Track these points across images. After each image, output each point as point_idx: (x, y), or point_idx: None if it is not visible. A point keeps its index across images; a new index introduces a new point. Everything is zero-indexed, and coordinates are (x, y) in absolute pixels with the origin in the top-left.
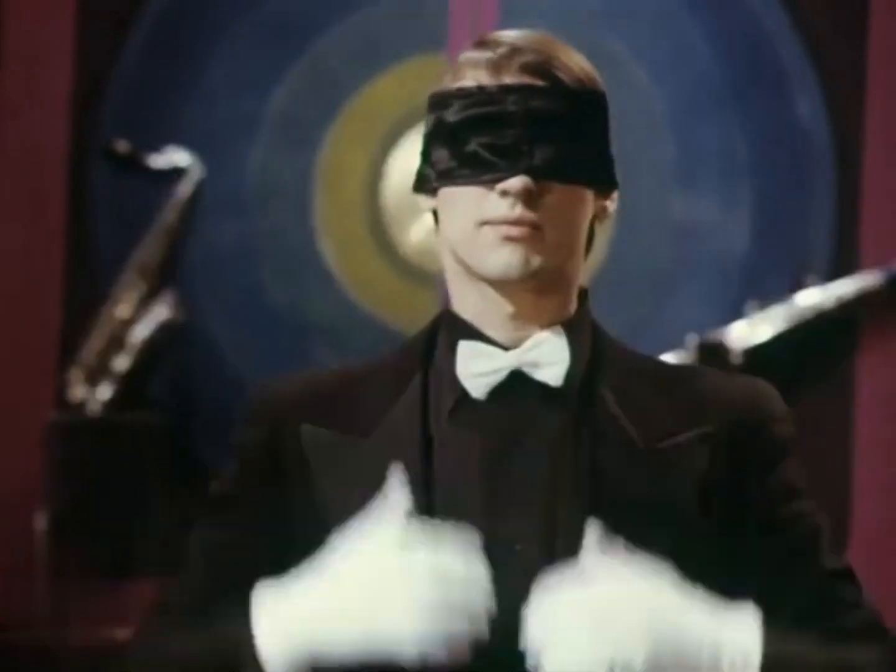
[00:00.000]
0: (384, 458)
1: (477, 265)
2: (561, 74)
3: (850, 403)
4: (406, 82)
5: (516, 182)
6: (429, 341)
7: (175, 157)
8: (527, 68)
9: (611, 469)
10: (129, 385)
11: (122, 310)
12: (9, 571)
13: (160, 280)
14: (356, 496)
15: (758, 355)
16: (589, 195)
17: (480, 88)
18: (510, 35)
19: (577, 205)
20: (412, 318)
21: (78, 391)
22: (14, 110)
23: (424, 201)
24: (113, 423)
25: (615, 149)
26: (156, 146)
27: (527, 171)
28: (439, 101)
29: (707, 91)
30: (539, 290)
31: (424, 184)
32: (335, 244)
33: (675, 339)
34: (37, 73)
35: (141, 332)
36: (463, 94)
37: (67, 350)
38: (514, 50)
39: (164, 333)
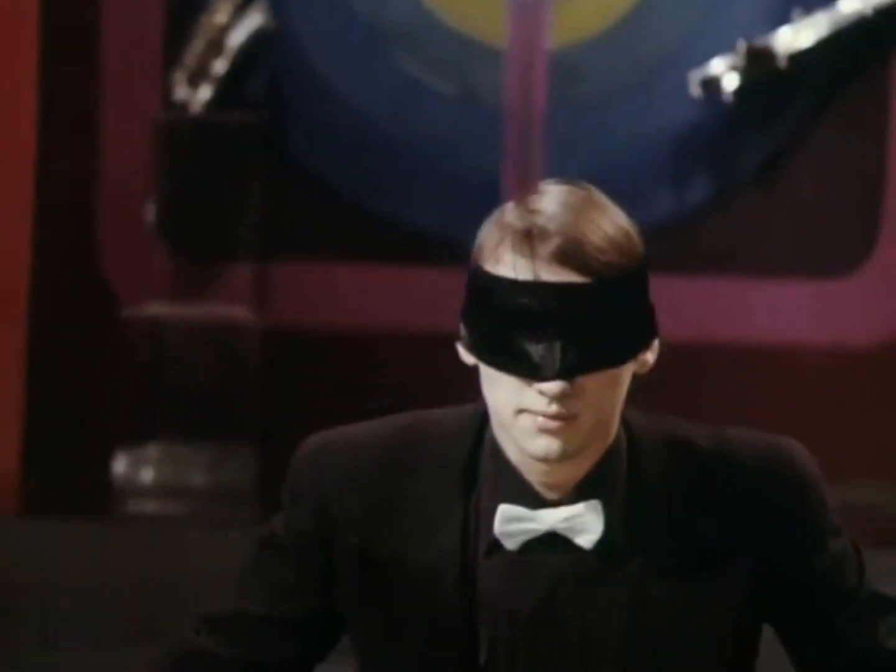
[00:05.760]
0: (424, 586)
1: (517, 443)
2: (595, 264)
3: (885, 104)
4: None
5: (552, 387)
6: (472, 454)
7: None
8: (561, 260)
9: (650, 611)
10: (227, 87)
11: (220, 17)
12: (126, 256)
13: None
14: (390, 617)
15: (801, 59)
16: (629, 364)
17: (514, 283)
18: (546, 210)
19: (616, 381)
20: (483, 25)
21: (181, 92)
22: None
23: (465, 354)
24: (213, 122)
25: None
26: None
27: (562, 373)
28: (480, 274)
29: None
30: (578, 460)
31: (463, 338)
32: None
33: (726, 45)
34: None
35: (237, 37)
36: (500, 283)
37: (171, 55)
38: (547, 235)
39: (258, 39)
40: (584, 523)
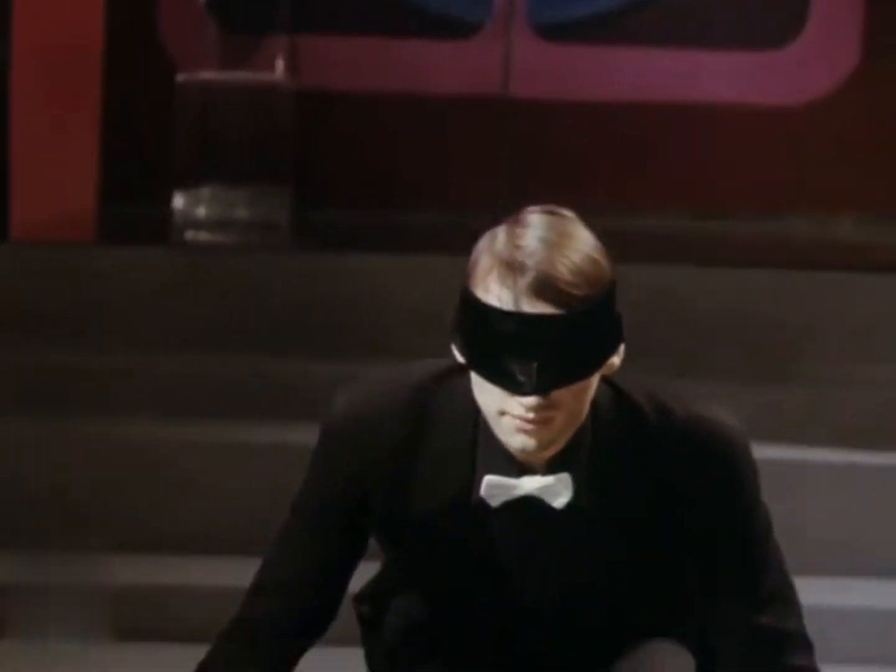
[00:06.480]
0: (441, 526)
1: (500, 438)
2: (566, 297)
3: None
4: None
5: (530, 401)
6: (474, 427)
7: None
8: (538, 293)
9: (611, 555)
10: None
11: None
12: (183, 29)
13: None
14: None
15: None
16: (598, 372)
17: (499, 312)
18: (528, 246)
19: (586, 387)
20: None
21: None
22: None
23: (457, 354)
24: None
25: None
26: None
27: (538, 389)
28: (471, 298)
29: None
30: (552, 448)
31: (456, 343)
32: None
33: None
34: None
35: None
36: (487, 310)
37: None
38: (526, 270)
39: None
40: (556, 490)
